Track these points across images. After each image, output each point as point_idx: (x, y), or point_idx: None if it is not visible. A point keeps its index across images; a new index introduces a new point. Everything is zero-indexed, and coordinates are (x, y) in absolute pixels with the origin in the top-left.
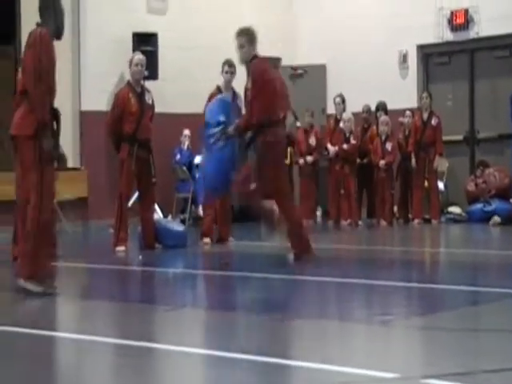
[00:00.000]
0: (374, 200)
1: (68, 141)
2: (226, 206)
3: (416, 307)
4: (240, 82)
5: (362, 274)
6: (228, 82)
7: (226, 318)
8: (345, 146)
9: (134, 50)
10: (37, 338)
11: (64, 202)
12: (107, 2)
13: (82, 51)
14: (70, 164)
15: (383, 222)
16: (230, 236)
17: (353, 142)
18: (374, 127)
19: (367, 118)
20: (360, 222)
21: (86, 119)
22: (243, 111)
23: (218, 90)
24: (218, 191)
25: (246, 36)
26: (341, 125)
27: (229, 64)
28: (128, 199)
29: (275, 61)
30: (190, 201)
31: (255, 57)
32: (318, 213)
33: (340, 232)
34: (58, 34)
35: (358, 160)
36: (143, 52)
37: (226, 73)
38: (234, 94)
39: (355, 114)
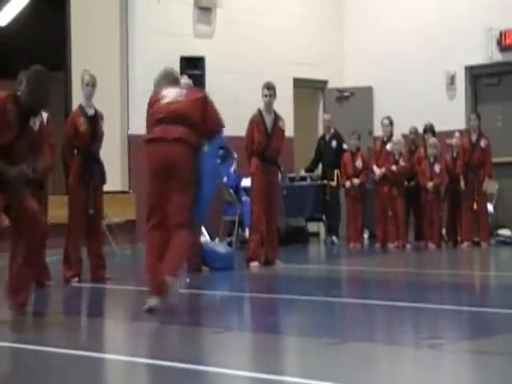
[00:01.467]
0: (421, 222)
1: (116, 164)
2: (272, 228)
3: (466, 331)
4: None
5: (411, 296)
6: (268, 105)
7: (273, 341)
8: (394, 168)
9: (181, 74)
10: (88, 359)
11: (113, 225)
12: (155, 27)
13: (130, 76)
14: (119, 187)
15: (431, 245)
16: (276, 259)
17: (402, 163)
18: (422, 149)
19: (414, 140)
20: (408, 245)
21: (134, 143)
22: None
23: (260, 113)
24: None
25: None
26: (388, 147)
27: (268, 87)
28: None
29: (321, 83)
30: (236, 223)
31: None
32: (365, 235)
33: (387, 255)
34: (33, 109)
35: (406, 182)
36: (190, 76)
37: (266, 96)
38: (276, 117)
39: (402, 136)
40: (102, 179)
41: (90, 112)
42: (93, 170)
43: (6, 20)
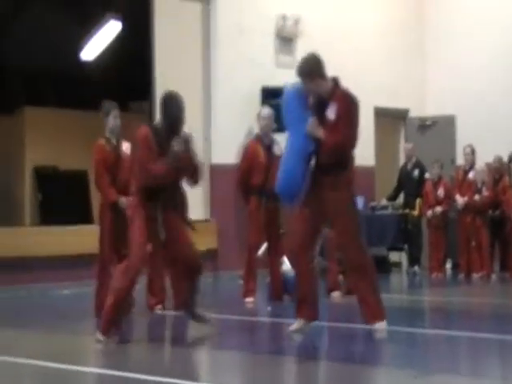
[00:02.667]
0: (507, 253)
1: (198, 193)
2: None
3: None
4: None
5: (496, 328)
6: None
7: (357, 372)
8: (476, 197)
9: (262, 104)
10: None
11: None
12: (237, 57)
13: (212, 105)
14: (201, 216)
15: None
16: None
17: (485, 193)
18: (507, 178)
19: (499, 169)
20: (493, 275)
21: (216, 172)
22: None
23: None
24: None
25: (308, 77)
26: (470, 176)
27: None
28: (257, 250)
29: (403, 112)
30: (317, 251)
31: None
32: (448, 265)
33: (471, 285)
34: (171, 129)
35: (490, 212)
36: (271, 105)
37: None
38: None
39: (486, 165)
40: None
41: None
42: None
43: (93, 52)
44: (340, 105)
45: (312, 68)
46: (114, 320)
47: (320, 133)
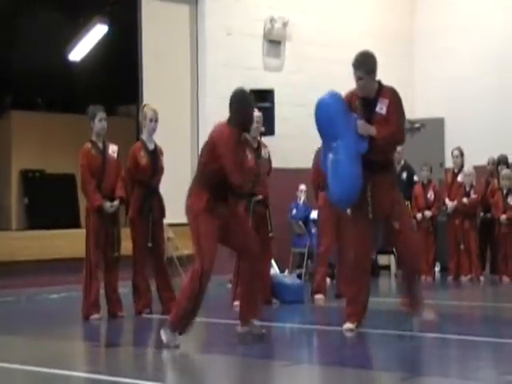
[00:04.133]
0: (497, 256)
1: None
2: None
3: None
4: None
5: (485, 331)
6: None
7: (344, 375)
8: (465, 200)
9: None
10: None
11: (183, 258)
12: (225, 60)
13: (200, 108)
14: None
15: (506, 279)
16: None
17: (473, 196)
18: (495, 181)
19: (492, 171)
20: (482, 278)
21: None
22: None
23: None
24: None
25: (364, 67)
26: (459, 178)
27: None
28: None
29: None
30: (306, 255)
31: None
32: (437, 268)
33: (460, 288)
34: (244, 128)
35: (482, 214)
36: (260, 108)
37: None
38: None
39: (475, 168)
40: (162, 213)
41: (151, 146)
42: (152, 204)
43: (80, 56)
44: (390, 100)
45: (373, 64)
46: (183, 324)
47: (372, 130)
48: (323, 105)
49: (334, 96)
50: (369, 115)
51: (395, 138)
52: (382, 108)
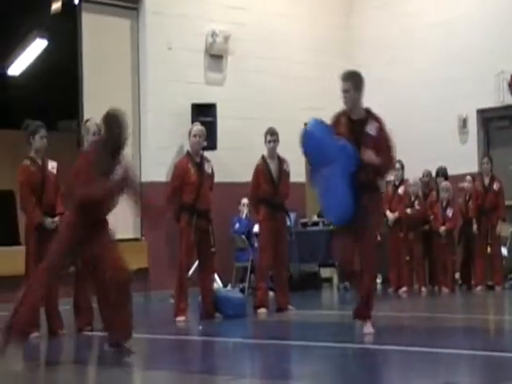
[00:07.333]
0: (435, 267)
1: (129, 211)
2: (282, 274)
3: (481, 376)
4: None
5: (425, 342)
6: (272, 151)
7: None
8: (408, 211)
9: (192, 121)
10: None
11: None
12: (166, 75)
13: (142, 123)
14: (131, 235)
15: (445, 289)
16: (289, 304)
17: (417, 207)
18: (434, 193)
19: (428, 183)
20: (423, 289)
21: (147, 190)
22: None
23: (264, 160)
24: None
25: (352, 81)
26: (400, 191)
27: (271, 133)
28: (188, 269)
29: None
30: (249, 270)
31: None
32: (378, 280)
33: (400, 299)
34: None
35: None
36: (202, 123)
37: (269, 142)
38: (280, 162)
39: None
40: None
41: None
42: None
43: (19, 70)
44: (380, 124)
45: (361, 81)
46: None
47: (377, 160)
48: (309, 135)
49: (317, 124)
50: (358, 136)
51: (391, 166)
52: (371, 129)
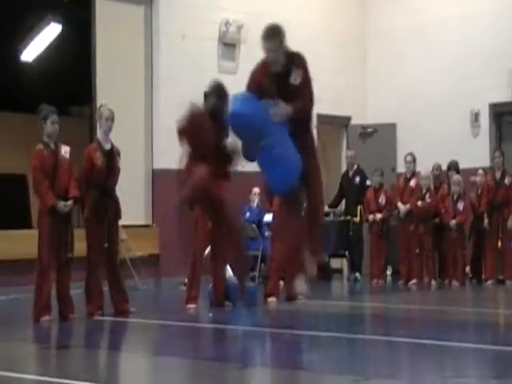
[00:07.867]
0: (445, 260)
1: (140, 198)
2: (294, 264)
3: (491, 370)
4: None
5: (434, 334)
6: None
7: (296, 378)
8: (419, 203)
9: None
10: None
11: (136, 259)
12: (179, 63)
13: (154, 110)
14: (142, 221)
15: (455, 283)
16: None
17: (428, 200)
18: (445, 186)
19: (438, 176)
20: (433, 282)
21: (158, 177)
22: None
23: None
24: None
25: (278, 38)
26: (411, 183)
27: None
28: (202, 257)
29: (345, 120)
30: (259, 259)
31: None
32: (388, 272)
33: (411, 292)
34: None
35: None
36: None
37: None
38: None
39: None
40: (117, 215)
41: (107, 147)
42: (108, 205)
43: (32, 56)
44: (304, 69)
45: (281, 30)
46: None
47: (288, 110)
48: (236, 116)
49: (241, 101)
50: (283, 88)
51: (310, 107)
52: (295, 79)
